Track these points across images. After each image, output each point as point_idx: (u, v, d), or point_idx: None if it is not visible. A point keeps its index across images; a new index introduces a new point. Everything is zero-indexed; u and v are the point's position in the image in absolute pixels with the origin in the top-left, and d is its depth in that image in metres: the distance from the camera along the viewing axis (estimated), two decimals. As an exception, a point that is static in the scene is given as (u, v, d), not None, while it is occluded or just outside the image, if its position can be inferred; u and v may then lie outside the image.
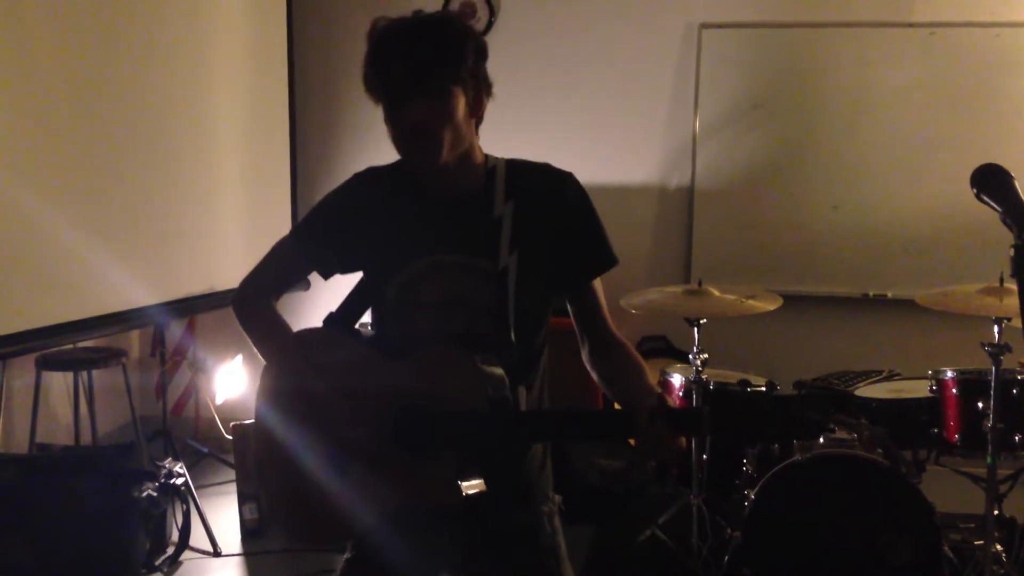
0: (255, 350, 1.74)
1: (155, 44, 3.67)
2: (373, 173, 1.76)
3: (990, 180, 1.31)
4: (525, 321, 1.67)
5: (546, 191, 1.71)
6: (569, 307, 1.81)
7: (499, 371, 1.60)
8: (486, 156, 1.73)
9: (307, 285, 4.48)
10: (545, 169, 1.75)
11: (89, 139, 3.30)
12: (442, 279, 1.67)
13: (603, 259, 1.76)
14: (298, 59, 4.73)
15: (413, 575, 1.72)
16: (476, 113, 1.65)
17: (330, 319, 1.80)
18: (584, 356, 1.83)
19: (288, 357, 1.71)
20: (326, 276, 1.79)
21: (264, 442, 1.71)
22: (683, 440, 1.58)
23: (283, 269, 1.79)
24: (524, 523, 1.76)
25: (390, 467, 1.61)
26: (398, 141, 1.62)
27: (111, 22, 3.40)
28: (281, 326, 1.75)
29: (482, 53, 1.64)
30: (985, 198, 1.31)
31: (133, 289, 3.45)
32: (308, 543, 1.77)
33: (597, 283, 1.78)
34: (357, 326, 1.83)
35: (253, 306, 1.77)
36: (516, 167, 1.73)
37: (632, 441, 1.55)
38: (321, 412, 1.65)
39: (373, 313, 1.80)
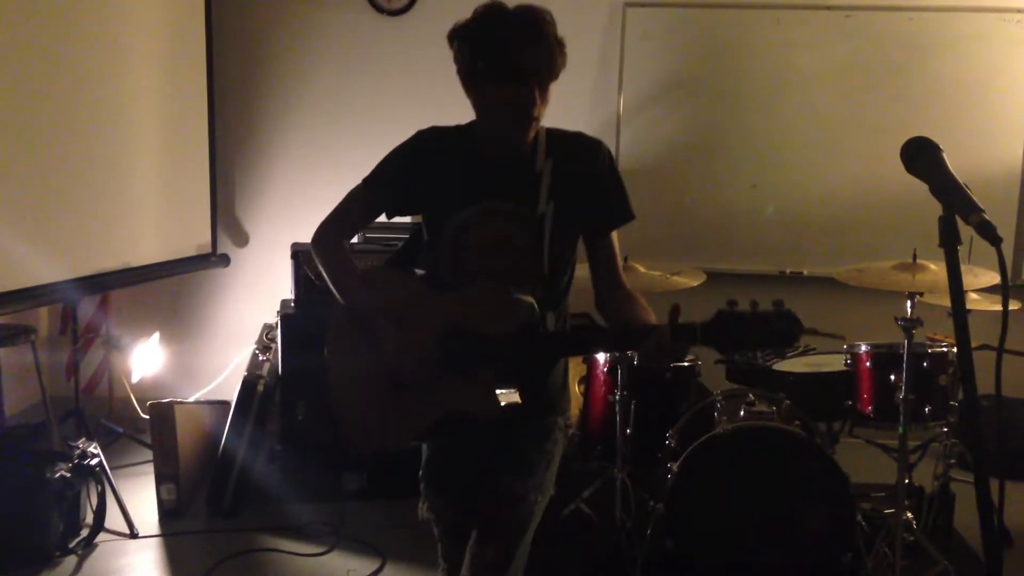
0: (329, 285, 2.06)
1: (71, 15, 3.54)
2: (434, 130, 2.06)
3: (920, 153, 1.34)
4: (556, 260, 1.99)
5: (581, 153, 2.03)
6: (589, 255, 2.10)
7: (530, 299, 1.90)
8: None
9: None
10: (579, 136, 2.06)
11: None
12: (491, 224, 1.97)
13: (624, 212, 2.08)
14: (216, 34, 4.59)
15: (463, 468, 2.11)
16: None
17: (390, 262, 2.21)
18: (596, 302, 2.11)
19: (354, 292, 2.05)
20: (390, 216, 2.11)
21: (334, 362, 2.09)
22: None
23: (355, 212, 2.10)
24: (538, 427, 2.06)
25: (438, 383, 1.94)
26: (493, 110, 1.92)
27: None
28: (349, 265, 2.08)
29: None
30: (915, 171, 1.34)
31: (42, 264, 3.35)
32: (367, 449, 2.16)
33: (615, 236, 2.09)
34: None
35: (327, 246, 2.08)
36: (554, 134, 2.04)
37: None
38: (381, 339, 1.99)
39: (426, 255, 2.10)
